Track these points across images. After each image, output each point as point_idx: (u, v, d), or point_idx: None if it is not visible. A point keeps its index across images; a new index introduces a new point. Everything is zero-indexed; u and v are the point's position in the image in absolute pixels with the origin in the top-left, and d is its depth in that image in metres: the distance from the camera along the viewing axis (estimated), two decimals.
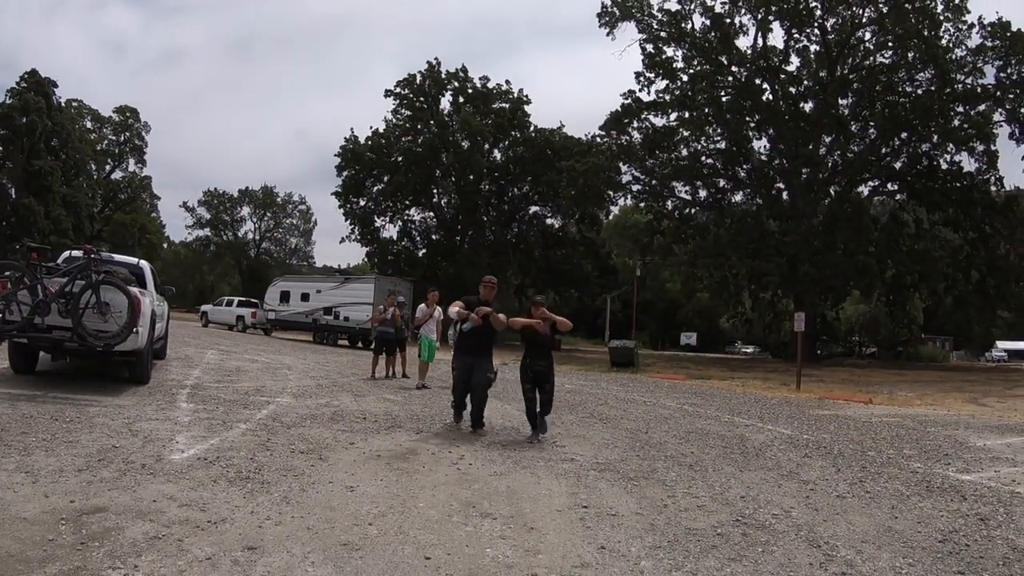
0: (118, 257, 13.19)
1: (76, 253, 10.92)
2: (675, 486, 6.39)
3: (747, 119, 42.92)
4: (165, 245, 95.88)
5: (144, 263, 13.40)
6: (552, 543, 4.51)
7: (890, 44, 40.03)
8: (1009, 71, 38.44)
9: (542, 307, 9.06)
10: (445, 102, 56.95)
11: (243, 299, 44.77)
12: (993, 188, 41.58)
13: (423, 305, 15.35)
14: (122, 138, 75.41)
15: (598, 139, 46.73)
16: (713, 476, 6.92)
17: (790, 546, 4.72)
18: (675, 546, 4.58)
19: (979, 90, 39.44)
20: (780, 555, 4.51)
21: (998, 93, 39.03)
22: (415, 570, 3.85)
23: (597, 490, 6.08)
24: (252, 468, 5.94)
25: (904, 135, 40.85)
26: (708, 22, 42.73)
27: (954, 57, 39.22)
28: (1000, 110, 39.93)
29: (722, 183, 46.72)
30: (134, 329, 9.57)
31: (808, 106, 42.76)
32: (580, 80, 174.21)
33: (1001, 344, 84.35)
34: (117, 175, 76.92)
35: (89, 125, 73.95)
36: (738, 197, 47.67)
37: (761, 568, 4.23)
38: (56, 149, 61.13)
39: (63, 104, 65.45)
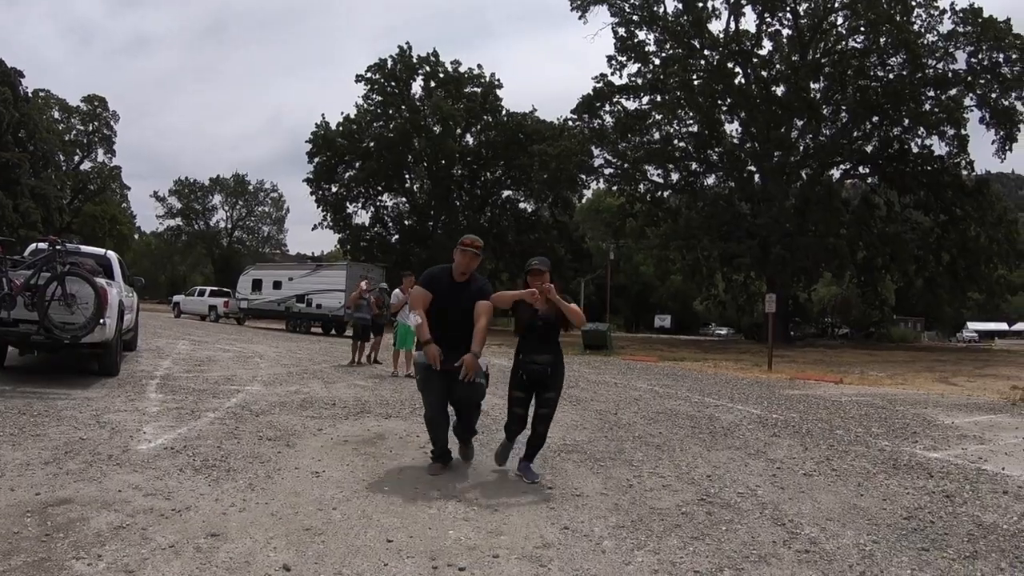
0: (85, 248, 13.03)
1: (42, 245, 10.78)
2: (641, 466, 6.42)
3: (719, 103, 43.17)
4: (136, 236, 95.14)
5: (112, 254, 13.26)
6: (515, 524, 4.53)
7: (862, 29, 40.37)
8: (980, 57, 38.97)
9: (544, 275, 5.85)
10: (416, 87, 56.81)
11: (215, 289, 44.46)
12: (964, 172, 42.20)
13: (398, 291, 14.36)
14: (90, 128, 74.36)
15: (570, 123, 46.93)
16: (680, 456, 6.97)
17: (754, 524, 4.75)
18: (638, 526, 4.61)
19: (950, 75, 39.96)
20: (744, 533, 4.54)
21: (969, 78, 39.52)
22: (376, 553, 3.86)
23: (563, 471, 6.11)
24: (219, 456, 5.91)
25: (875, 119, 41.27)
26: (680, 6, 42.94)
27: (926, 42, 39.66)
28: (971, 95, 40.45)
29: (694, 166, 46.99)
30: (101, 320, 9.47)
31: (780, 90, 43.05)
32: (552, 64, 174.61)
33: (972, 325, 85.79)
34: (86, 166, 75.94)
35: (57, 115, 72.86)
36: (710, 180, 48.05)
37: (724, 547, 4.26)
38: (24, 140, 60.07)
39: (30, 94, 64.35)
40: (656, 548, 4.17)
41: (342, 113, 62.93)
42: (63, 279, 9.33)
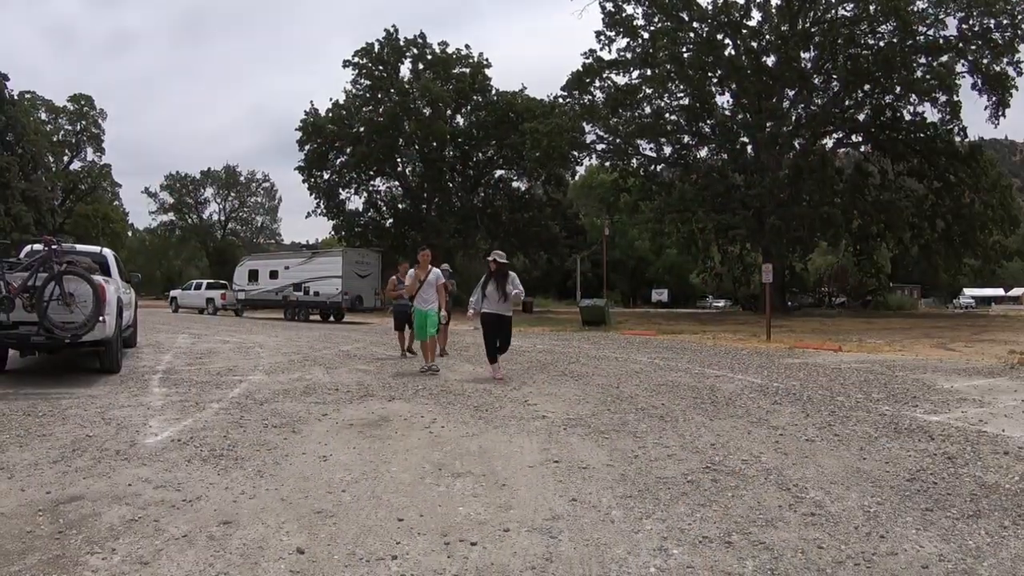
0: (80, 247, 13.01)
1: (36, 246, 10.75)
2: (645, 437, 6.47)
3: (709, 75, 43.01)
4: (130, 233, 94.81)
5: (107, 251, 13.25)
6: (524, 498, 4.57)
7: None
8: (971, 22, 38.74)
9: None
10: (405, 70, 56.56)
11: (212, 281, 44.42)
12: (957, 138, 42.05)
13: (412, 270, 12.48)
14: (78, 127, 73.95)
15: (560, 100, 46.75)
16: (683, 426, 7.02)
17: (759, 490, 4.80)
18: (645, 495, 4.65)
19: (941, 42, 39.73)
20: (750, 499, 4.59)
21: (960, 44, 39.34)
22: (388, 532, 3.90)
23: (568, 445, 6.15)
24: (226, 445, 5.94)
25: (867, 87, 41.09)
26: None
27: (916, 9, 39.38)
28: (962, 61, 40.29)
29: (686, 139, 46.93)
30: (100, 318, 9.47)
31: (770, 60, 42.87)
32: (540, 41, 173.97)
33: (968, 291, 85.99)
34: (76, 165, 75.57)
35: (44, 116, 72.43)
36: (703, 153, 47.99)
37: (731, 512, 4.31)
38: (12, 144, 59.70)
39: (15, 97, 63.93)
40: (664, 516, 4.22)
41: (331, 99, 62.79)
42: (61, 278, 9.33)
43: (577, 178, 66.28)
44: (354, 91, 55.81)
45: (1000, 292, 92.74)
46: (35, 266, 9.48)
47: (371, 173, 57.26)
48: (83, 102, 73.65)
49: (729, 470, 5.30)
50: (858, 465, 5.48)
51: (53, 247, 9.67)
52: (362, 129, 54.18)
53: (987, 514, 4.31)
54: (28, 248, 11.76)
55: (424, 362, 11.77)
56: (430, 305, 11.81)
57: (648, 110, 45.47)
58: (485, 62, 56.14)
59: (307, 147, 55.08)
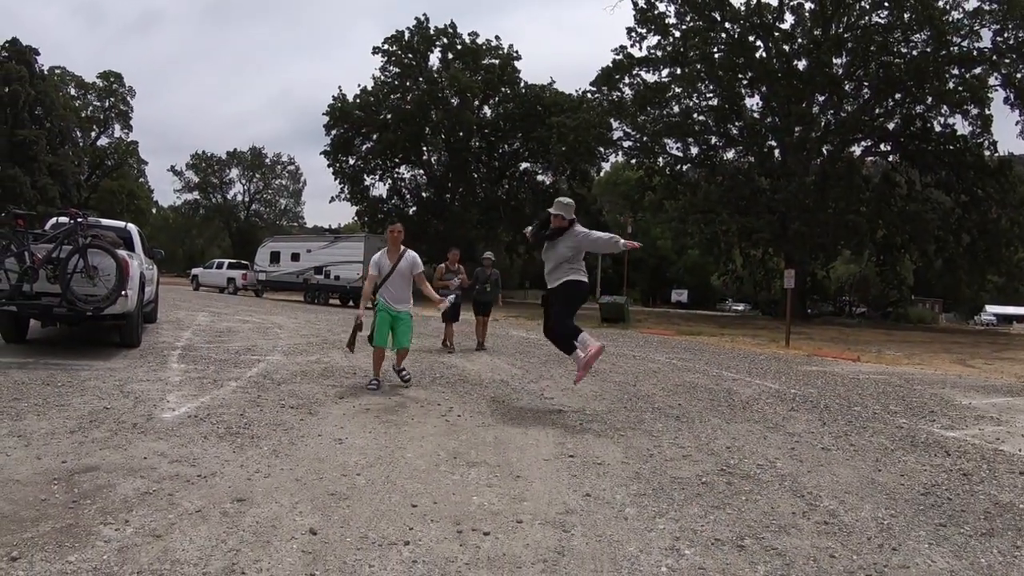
0: (105, 221, 13.08)
1: (62, 219, 10.81)
2: (661, 436, 6.46)
3: (740, 76, 42.69)
4: (154, 210, 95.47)
5: (132, 226, 13.31)
6: (538, 491, 4.57)
7: (886, 4, 39.68)
8: (1006, 35, 38.15)
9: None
10: (434, 59, 56.45)
11: (233, 261, 44.65)
12: (986, 152, 41.35)
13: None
14: (107, 104, 74.50)
15: (589, 95, 46.60)
16: (699, 427, 7.00)
17: (774, 495, 4.78)
18: (660, 494, 4.64)
19: (975, 53, 39.15)
20: (763, 504, 4.57)
21: (994, 57, 38.77)
22: (401, 517, 3.91)
23: (584, 440, 6.15)
24: (242, 424, 5.98)
25: (898, 96, 40.66)
26: None
27: (951, 19, 38.85)
28: (996, 74, 39.67)
29: (714, 140, 46.58)
30: (123, 292, 9.52)
31: (802, 64, 42.49)
32: (571, 35, 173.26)
33: (990, 308, 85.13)
34: (103, 142, 76.19)
35: (73, 92, 73.04)
36: (730, 154, 47.54)
37: (744, 516, 4.29)
38: (40, 118, 60.33)
39: (46, 72, 64.47)
40: (677, 516, 4.21)
41: (359, 85, 62.82)
42: (85, 252, 9.37)
43: (602, 174, 66.16)
44: (383, 78, 55.88)
45: (1022, 311, 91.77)
46: (60, 238, 9.54)
47: (396, 160, 57.31)
48: (112, 79, 74.18)
49: (744, 474, 5.28)
50: (873, 476, 5.44)
51: (79, 220, 9.73)
52: (389, 116, 54.21)
53: (1000, 533, 4.27)
54: (54, 220, 11.84)
55: (373, 373, 8.73)
56: (401, 305, 8.63)
57: (676, 109, 45.19)
58: (515, 54, 56.01)
59: (334, 132, 55.18)
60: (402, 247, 8.72)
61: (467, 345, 14.37)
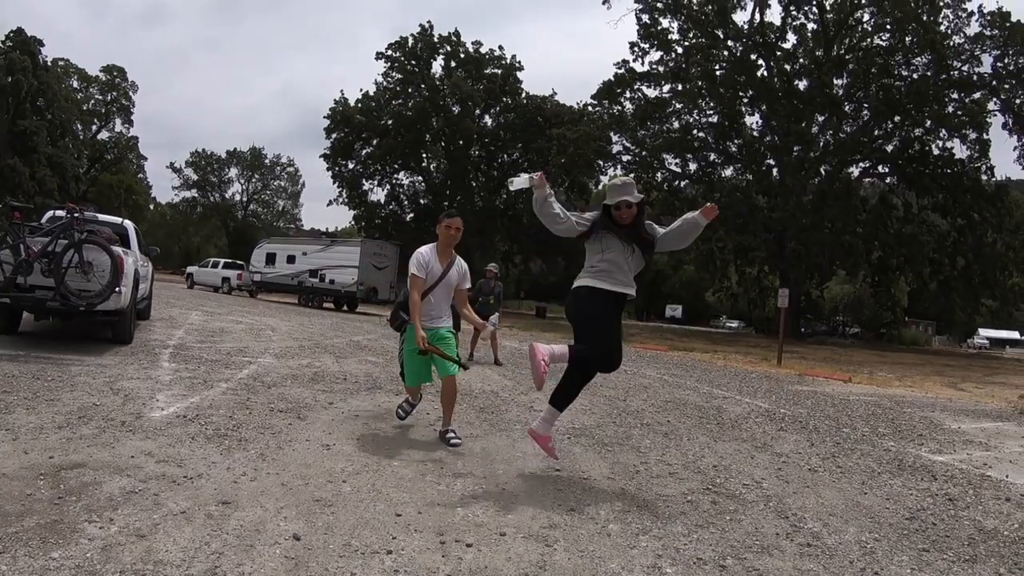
0: (102, 216, 13.07)
1: (59, 212, 10.82)
2: (649, 453, 6.47)
3: (740, 94, 42.93)
4: (151, 206, 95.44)
5: (128, 223, 13.33)
6: (522, 504, 4.57)
7: (888, 27, 40.00)
8: (1006, 61, 38.59)
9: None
10: (437, 66, 56.78)
11: (229, 261, 44.64)
12: (984, 176, 41.81)
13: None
14: (109, 98, 74.74)
15: (590, 108, 46.87)
16: (687, 445, 7.01)
17: (758, 516, 4.79)
18: (644, 511, 4.65)
19: (975, 78, 39.57)
20: (748, 524, 4.58)
21: (994, 82, 39.17)
22: (385, 526, 3.91)
23: (571, 454, 6.15)
24: (230, 426, 5.97)
25: (897, 118, 40.96)
26: None
27: (952, 44, 39.26)
28: (995, 99, 40.15)
29: (713, 157, 46.85)
30: (116, 288, 9.52)
31: (802, 84, 42.83)
32: (574, 48, 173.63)
33: (983, 331, 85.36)
34: (103, 135, 76.43)
35: (76, 84, 73.21)
36: (728, 172, 47.91)
37: (728, 536, 4.29)
38: (42, 109, 60.40)
39: (49, 63, 64.51)
40: (660, 534, 4.21)
41: (361, 90, 63.03)
42: (80, 247, 9.38)
43: (600, 187, 66.20)
44: (385, 83, 56.13)
45: (1016, 335, 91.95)
46: (56, 232, 9.55)
47: (396, 166, 57.50)
48: (115, 73, 74.34)
49: (729, 493, 5.29)
50: (859, 499, 5.45)
51: (76, 215, 9.73)
52: (390, 122, 54.43)
53: (984, 559, 4.28)
54: (51, 213, 11.84)
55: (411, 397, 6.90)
56: (440, 322, 6.45)
57: (676, 125, 45.46)
58: (517, 64, 56.30)
59: (334, 135, 55.34)
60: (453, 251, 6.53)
61: (472, 366, 14.08)
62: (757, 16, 42.65)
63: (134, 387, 7.34)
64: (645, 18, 43.85)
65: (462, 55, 56.07)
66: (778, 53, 43.00)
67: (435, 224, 6.67)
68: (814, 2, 41.76)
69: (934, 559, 4.20)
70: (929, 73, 39.10)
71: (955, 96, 40.30)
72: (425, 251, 6.41)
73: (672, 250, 6.05)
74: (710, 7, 42.68)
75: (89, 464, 4.57)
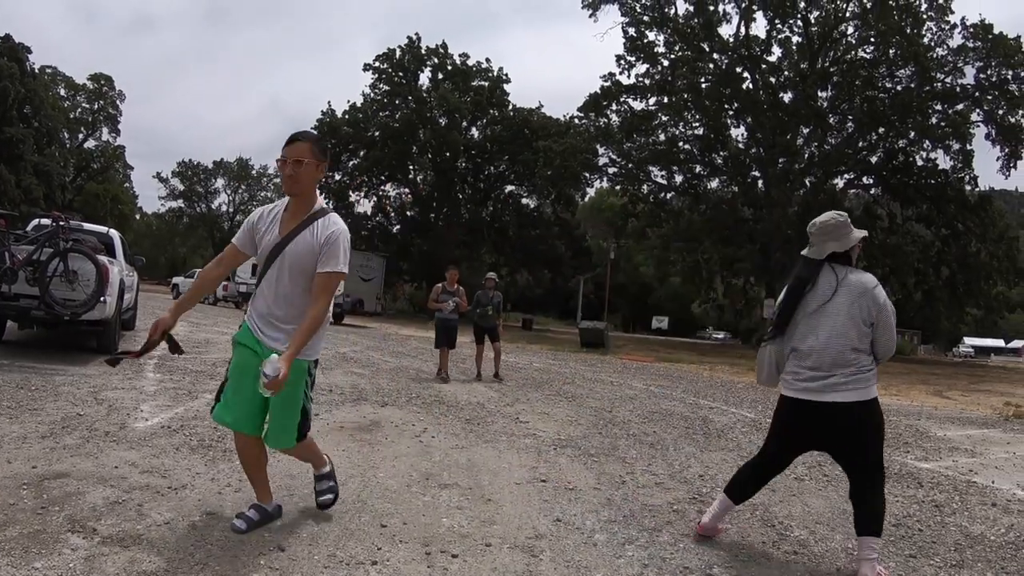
0: (87, 226, 13.02)
1: (45, 221, 10.78)
2: (635, 463, 6.47)
3: (726, 107, 43.11)
4: (138, 216, 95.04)
5: (114, 232, 13.28)
6: (508, 514, 4.57)
7: (872, 39, 40.31)
8: (989, 72, 38.90)
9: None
10: (424, 78, 56.90)
11: None
12: (967, 187, 42.15)
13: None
14: (96, 106, 74.43)
15: (576, 120, 46.92)
16: (673, 455, 7.02)
17: (744, 525, 4.80)
18: (630, 521, 4.65)
19: (958, 90, 39.87)
20: (734, 533, 4.59)
21: (976, 94, 39.49)
22: (370, 537, 3.89)
23: (557, 465, 6.15)
24: (215, 437, 5.94)
25: (881, 130, 41.22)
26: (691, 8, 42.90)
27: (935, 56, 39.56)
28: (978, 110, 40.44)
29: (698, 169, 46.99)
30: (101, 298, 9.48)
31: (787, 96, 43.01)
32: (560, 60, 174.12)
33: (968, 340, 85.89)
34: (90, 144, 75.99)
35: (63, 92, 72.82)
36: (714, 184, 48.10)
37: (714, 545, 4.30)
38: (29, 116, 59.98)
39: (37, 70, 64.24)
40: (647, 543, 4.21)
41: (348, 101, 63.06)
42: (66, 255, 9.34)
43: (587, 200, 66.50)
44: (372, 95, 56.16)
45: (1000, 343, 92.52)
46: (41, 241, 9.50)
47: (382, 178, 57.51)
48: (103, 82, 74.13)
49: None
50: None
51: (61, 224, 9.68)
52: (377, 133, 54.46)
53: (970, 565, 4.30)
54: (36, 222, 11.79)
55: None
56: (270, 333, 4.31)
57: (663, 137, 45.58)
58: (504, 77, 56.50)
59: None
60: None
61: (460, 378, 12.92)
62: (743, 29, 42.96)
63: (118, 397, 7.30)
64: (631, 31, 44.05)
65: (449, 67, 56.24)
66: (763, 66, 43.24)
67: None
68: (799, 15, 42.06)
69: (921, 565, 4.23)
70: (913, 85, 39.41)
71: (938, 107, 40.64)
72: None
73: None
74: (696, 21, 42.91)
75: (73, 474, 4.54)
